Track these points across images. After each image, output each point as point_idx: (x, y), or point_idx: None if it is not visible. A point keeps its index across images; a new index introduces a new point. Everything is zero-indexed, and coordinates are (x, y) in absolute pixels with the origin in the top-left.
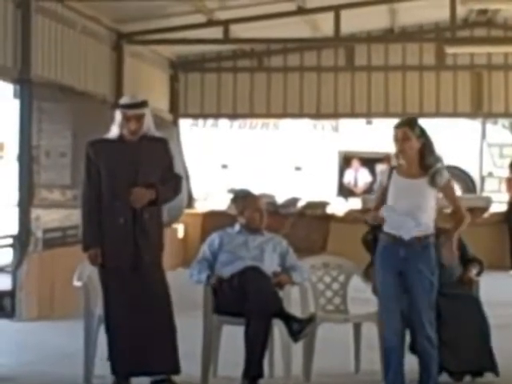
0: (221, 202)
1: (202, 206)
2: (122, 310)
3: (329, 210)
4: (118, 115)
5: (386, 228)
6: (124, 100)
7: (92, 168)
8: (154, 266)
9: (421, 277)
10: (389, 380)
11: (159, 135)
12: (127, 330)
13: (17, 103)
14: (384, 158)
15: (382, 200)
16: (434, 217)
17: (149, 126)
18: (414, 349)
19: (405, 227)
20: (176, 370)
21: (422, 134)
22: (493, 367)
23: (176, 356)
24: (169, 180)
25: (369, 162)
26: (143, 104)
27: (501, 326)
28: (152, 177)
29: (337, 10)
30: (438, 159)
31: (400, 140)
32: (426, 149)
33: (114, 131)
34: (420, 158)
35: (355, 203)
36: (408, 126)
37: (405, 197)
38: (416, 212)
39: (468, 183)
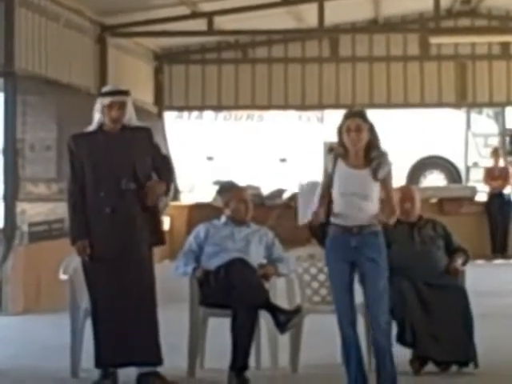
0: (206, 194)
1: (187, 199)
2: (108, 301)
3: None
4: (100, 103)
5: (333, 219)
6: (106, 88)
7: (75, 161)
8: (143, 255)
9: (373, 265)
10: (351, 374)
11: (141, 124)
12: (112, 322)
13: (1, 97)
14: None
15: (328, 188)
16: (377, 206)
17: (130, 116)
18: (401, 340)
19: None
20: (159, 361)
21: (371, 127)
22: (474, 358)
23: (158, 347)
24: (162, 166)
25: None
26: (126, 92)
27: (484, 316)
28: (141, 166)
29: (321, 0)
30: (383, 154)
31: (354, 131)
32: (372, 142)
33: (94, 121)
34: (366, 150)
35: None
36: (361, 118)
37: (350, 186)
38: (361, 201)
39: (453, 173)
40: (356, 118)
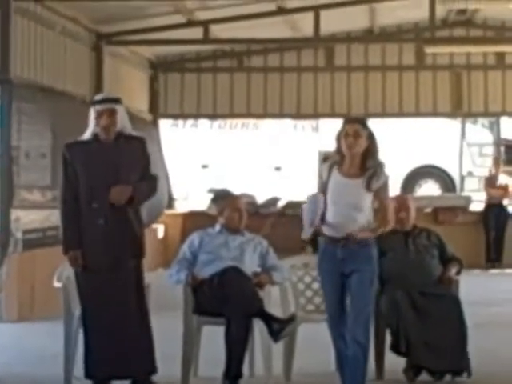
0: (201, 202)
1: (182, 207)
2: (99, 312)
3: None
4: (92, 112)
5: (324, 229)
6: (97, 97)
7: (69, 170)
8: (133, 266)
9: (358, 277)
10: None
11: (136, 134)
12: (104, 333)
13: None
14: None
15: (325, 196)
16: (371, 216)
17: (123, 124)
18: (395, 349)
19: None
20: (153, 370)
21: (370, 135)
22: (467, 367)
23: (152, 356)
24: (146, 180)
25: None
26: (115, 100)
27: (478, 325)
28: (132, 176)
29: (316, 10)
30: (380, 164)
31: (351, 136)
32: (369, 151)
33: (88, 130)
34: (362, 159)
35: None
36: (360, 124)
37: (342, 196)
38: (353, 211)
39: (448, 182)
40: (355, 124)
